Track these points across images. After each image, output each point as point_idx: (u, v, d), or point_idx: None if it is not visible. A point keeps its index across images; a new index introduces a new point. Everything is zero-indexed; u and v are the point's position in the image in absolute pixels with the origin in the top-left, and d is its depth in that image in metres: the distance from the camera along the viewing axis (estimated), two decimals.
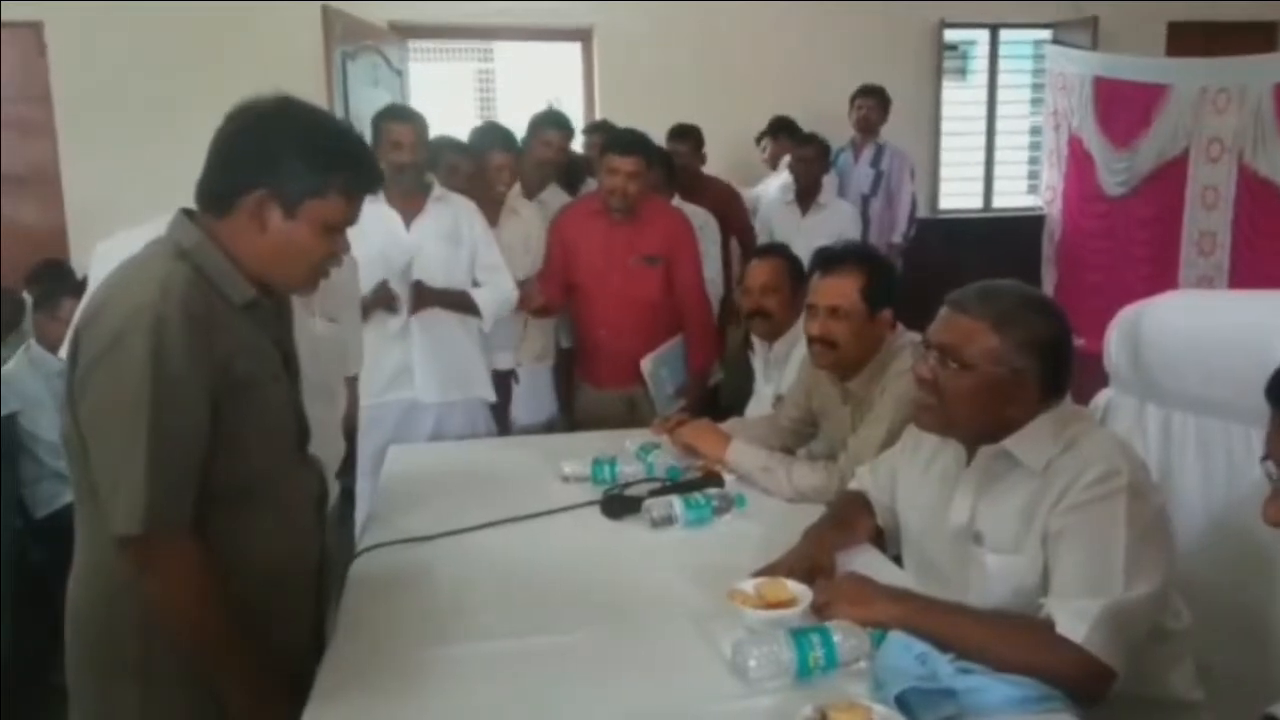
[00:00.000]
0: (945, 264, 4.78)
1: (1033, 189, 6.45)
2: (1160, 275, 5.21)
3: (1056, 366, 1.58)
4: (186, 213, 1.42)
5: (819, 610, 1.54)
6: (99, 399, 1.30)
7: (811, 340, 2.21)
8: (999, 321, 1.56)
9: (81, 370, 1.31)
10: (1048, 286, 6.01)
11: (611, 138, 3.23)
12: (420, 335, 2.99)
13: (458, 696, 1.42)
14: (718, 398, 4.04)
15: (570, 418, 3.42)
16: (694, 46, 5.55)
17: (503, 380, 3.24)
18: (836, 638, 1.43)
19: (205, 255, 1.37)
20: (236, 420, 1.35)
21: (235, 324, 1.37)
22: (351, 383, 2.51)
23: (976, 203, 6.41)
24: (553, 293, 3.27)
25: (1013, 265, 5.48)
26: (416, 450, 2.77)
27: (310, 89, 4.50)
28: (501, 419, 3.26)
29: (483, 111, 9.58)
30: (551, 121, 3.57)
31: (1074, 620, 1.40)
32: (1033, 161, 6.46)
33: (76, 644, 1.41)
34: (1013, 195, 6.52)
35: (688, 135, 4.43)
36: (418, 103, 7.31)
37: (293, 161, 1.35)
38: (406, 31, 5.36)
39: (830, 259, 2.21)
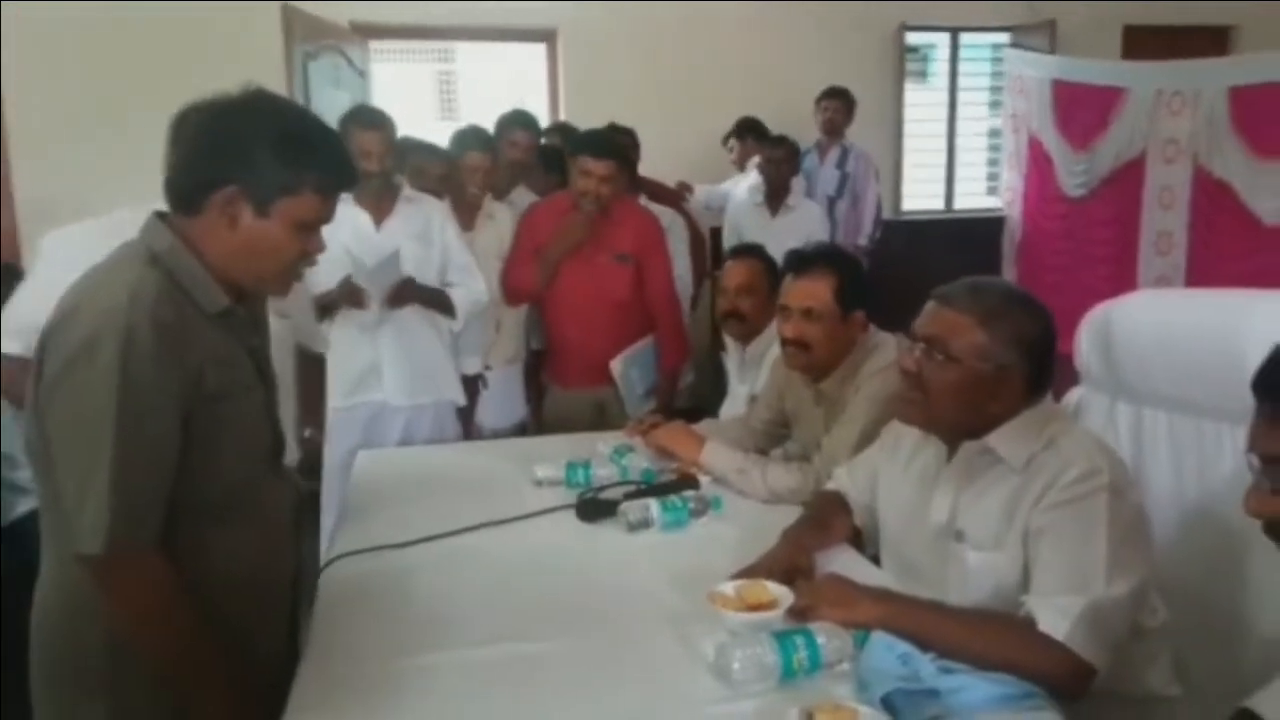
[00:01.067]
0: (909, 265, 4.82)
1: (992, 190, 6.52)
2: (1120, 275, 5.29)
3: (1040, 364, 1.59)
4: (160, 215, 1.36)
5: (801, 612, 1.53)
6: (64, 411, 1.25)
7: (785, 342, 2.21)
8: (986, 317, 1.57)
9: (48, 380, 1.26)
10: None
11: (585, 140, 3.20)
12: (388, 337, 2.95)
13: (434, 707, 1.40)
14: (674, 399, 4.03)
15: (538, 420, 3.39)
16: (659, 47, 5.55)
17: (470, 385, 3.20)
18: (820, 639, 1.42)
19: (178, 261, 1.32)
20: (209, 432, 1.31)
21: (207, 333, 1.33)
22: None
23: (939, 204, 6.47)
24: (526, 277, 3.21)
25: (975, 265, 5.50)
26: (385, 455, 2.73)
27: (270, 89, 4.44)
28: (468, 423, 3.22)
29: (444, 113, 9.51)
30: (518, 122, 3.54)
31: (1056, 617, 1.40)
32: (992, 163, 6.53)
33: (42, 658, 1.36)
34: (974, 196, 6.60)
35: (621, 132, 4.41)
36: (378, 104, 7.24)
37: (264, 157, 1.31)
38: (368, 31, 5.29)
39: (803, 260, 2.21)
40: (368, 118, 2.91)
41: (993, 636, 1.43)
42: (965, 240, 6.07)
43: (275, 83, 4.28)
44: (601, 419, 3.16)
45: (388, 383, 2.97)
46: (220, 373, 1.33)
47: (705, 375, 4.26)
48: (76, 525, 1.24)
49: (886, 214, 5.70)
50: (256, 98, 1.35)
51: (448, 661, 1.51)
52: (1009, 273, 6.20)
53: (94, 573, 1.27)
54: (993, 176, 6.52)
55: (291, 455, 2.05)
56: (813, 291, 2.16)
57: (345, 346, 2.96)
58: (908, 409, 1.66)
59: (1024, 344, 1.57)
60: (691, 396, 4.00)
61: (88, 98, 4.73)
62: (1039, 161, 5.88)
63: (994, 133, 6.47)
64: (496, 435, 3.31)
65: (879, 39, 5.90)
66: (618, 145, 3.13)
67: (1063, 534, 1.47)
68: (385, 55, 7.48)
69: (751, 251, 2.83)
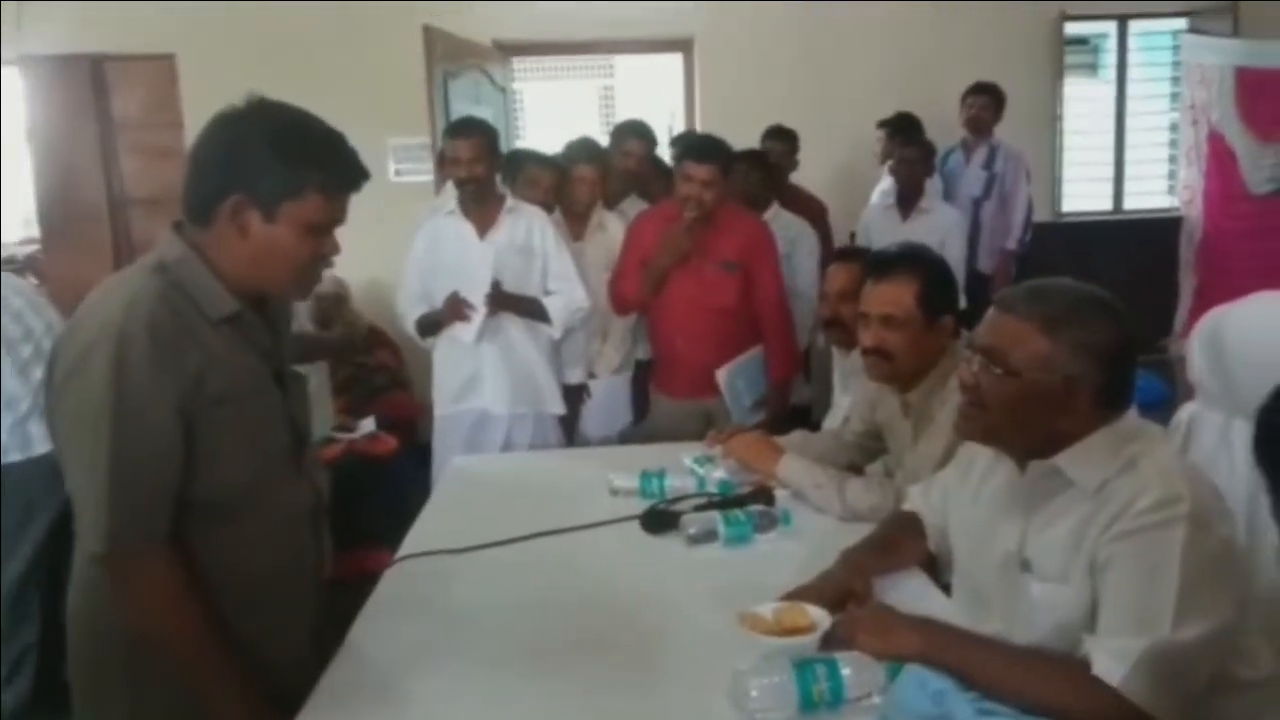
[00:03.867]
0: (1068, 271, 4.46)
1: (1173, 189, 6.01)
2: None
3: (1116, 375, 1.42)
4: (176, 225, 1.41)
5: (839, 640, 1.43)
6: (66, 417, 1.31)
7: (865, 351, 2.09)
8: (1049, 323, 1.41)
9: (55, 388, 1.33)
10: (1187, 292, 5.58)
11: (687, 145, 3.17)
12: (490, 346, 3.01)
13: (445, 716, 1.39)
14: (810, 414, 3.92)
15: (644, 430, 3.36)
16: (797, 50, 5.41)
17: (573, 395, 3.21)
18: (845, 670, 1.33)
19: (186, 268, 1.36)
20: (212, 436, 1.34)
21: (210, 338, 1.35)
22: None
23: (1106, 205, 6.02)
24: (631, 287, 3.20)
25: (1146, 270, 5.15)
26: (477, 462, 2.78)
27: (412, 108, 4.65)
28: (572, 432, 3.23)
29: (606, 128, 9.67)
30: (632, 131, 3.54)
31: (1112, 660, 1.25)
32: (1173, 160, 6.02)
33: (74, 646, 1.43)
34: (1149, 196, 6.10)
35: (781, 135, 4.31)
36: (533, 121, 7.44)
37: (264, 163, 1.33)
38: (510, 49, 5.44)
39: (883, 264, 2.08)
40: (458, 127, 2.99)
41: (1041, 677, 1.29)
42: (1136, 243, 5.62)
43: (416, 101, 4.49)
44: (708, 430, 3.09)
45: (488, 392, 3.03)
46: (223, 377, 1.35)
47: (830, 390, 4.11)
48: (82, 525, 1.30)
49: (1043, 216, 5.35)
50: (257, 107, 1.37)
51: (471, 670, 1.51)
52: (1187, 278, 5.69)
53: (103, 569, 1.33)
54: (1174, 175, 6.01)
55: None
56: (893, 297, 2.03)
57: (449, 355, 3.05)
58: (964, 422, 1.53)
59: (1096, 352, 1.40)
60: (817, 410, 3.87)
61: None
62: (1220, 156, 5.37)
63: (1174, 127, 5.96)
64: (602, 444, 3.30)
65: (1035, 30, 5.53)
66: (721, 149, 3.05)
67: (1129, 567, 1.30)
68: (545, 73, 7.68)
69: (855, 254, 2.71)
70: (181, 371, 1.30)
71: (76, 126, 5.33)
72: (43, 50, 5.19)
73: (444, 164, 3.83)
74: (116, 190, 5.49)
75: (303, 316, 3.89)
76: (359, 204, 1.47)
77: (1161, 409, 2.52)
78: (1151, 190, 6.12)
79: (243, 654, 1.37)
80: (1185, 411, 1.80)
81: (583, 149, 3.32)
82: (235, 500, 1.40)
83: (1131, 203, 6.05)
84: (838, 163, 5.22)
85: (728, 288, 3.11)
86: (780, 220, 3.82)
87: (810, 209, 4.28)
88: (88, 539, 1.30)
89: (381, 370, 4.71)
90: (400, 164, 5.16)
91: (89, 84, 5.33)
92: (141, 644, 1.34)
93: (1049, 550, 1.44)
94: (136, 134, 5.45)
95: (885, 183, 4.63)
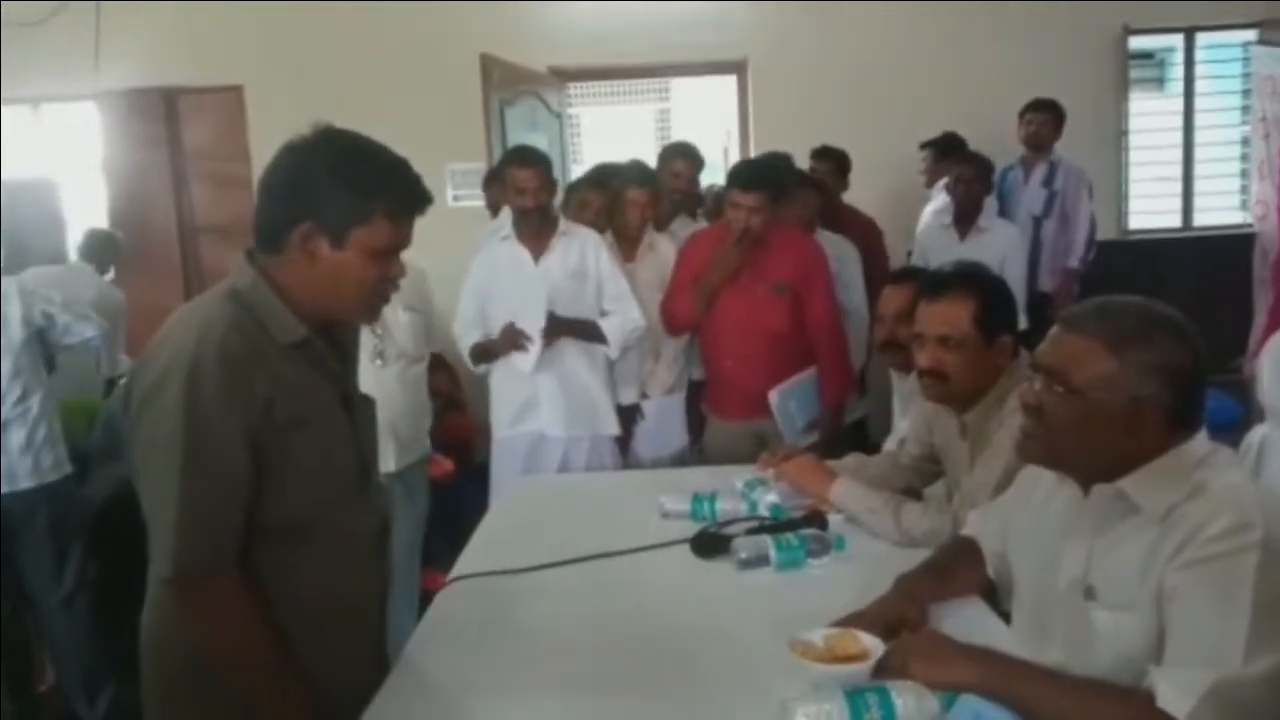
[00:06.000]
0: (1136, 289, 4.31)
1: (1245, 204, 5.84)
2: None
3: (1185, 397, 1.37)
4: (248, 253, 1.44)
5: (892, 668, 1.40)
6: (142, 442, 1.34)
7: (920, 372, 2.05)
8: (1116, 342, 1.37)
9: (132, 413, 1.36)
10: (1262, 310, 5.40)
11: (734, 172, 3.17)
12: (546, 369, 3.03)
13: None
14: (866, 434, 3.86)
15: (699, 451, 3.35)
16: (851, 70, 5.38)
17: (627, 415, 3.22)
18: (898, 700, 1.29)
19: (257, 295, 1.39)
20: (281, 461, 1.36)
21: (280, 364, 1.38)
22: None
23: (1175, 221, 5.87)
24: (684, 306, 3.20)
25: (1218, 287, 4.99)
26: (532, 483, 2.80)
27: (469, 134, 4.72)
28: (625, 452, 3.23)
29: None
30: (679, 152, 3.56)
31: (1178, 693, 1.20)
32: (1244, 175, 5.86)
33: (147, 667, 1.46)
34: (1221, 212, 5.93)
35: (828, 156, 4.29)
36: (590, 145, 7.52)
37: (332, 191, 1.35)
38: (566, 75, 5.51)
39: (938, 283, 2.04)
40: (522, 156, 3.02)
41: (1103, 709, 1.25)
42: (1206, 260, 5.47)
43: (474, 128, 4.57)
44: (761, 452, 3.06)
45: (544, 414, 3.05)
46: (292, 403, 1.37)
47: (887, 410, 4.05)
48: (153, 549, 1.34)
49: (1109, 233, 5.24)
50: (324, 135, 1.40)
51: (522, 692, 1.51)
52: (1261, 295, 5.50)
53: (173, 593, 1.35)
54: (1245, 190, 5.85)
55: None
56: (948, 317, 1.99)
57: (506, 379, 3.08)
58: (1026, 443, 1.48)
59: (1166, 372, 1.35)
60: (874, 430, 3.82)
61: None
62: None
63: (1245, 141, 5.81)
64: (656, 465, 3.29)
65: (1098, 44, 5.43)
66: (768, 176, 3.05)
67: (1198, 597, 1.25)
68: (601, 98, 7.76)
69: (911, 275, 2.67)
70: (252, 397, 1.33)
71: (149, 157, 5.52)
72: (118, 85, 5.38)
73: (489, 186, 3.91)
74: (186, 219, 5.68)
75: None
76: (418, 229, 1.49)
77: (1235, 430, 2.44)
78: (1222, 206, 5.96)
79: (306, 677, 1.38)
80: (1256, 434, 1.74)
81: (634, 172, 3.34)
82: (302, 525, 1.42)
83: (1201, 219, 5.90)
84: (893, 183, 5.17)
85: (779, 311, 3.09)
86: (825, 240, 3.77)
87: (865, 230, 4.24)
88: (157, 563, 1.33)
89: (438, 394, 4.77)
90: (458, 189, 5.25)
91: (162, 116, 5.53)
92: (208, 667, 1.36)
93: (1114, 578, 1.39)
94: (206, 164, 5.63)
95: (937, 201, 4.57)
